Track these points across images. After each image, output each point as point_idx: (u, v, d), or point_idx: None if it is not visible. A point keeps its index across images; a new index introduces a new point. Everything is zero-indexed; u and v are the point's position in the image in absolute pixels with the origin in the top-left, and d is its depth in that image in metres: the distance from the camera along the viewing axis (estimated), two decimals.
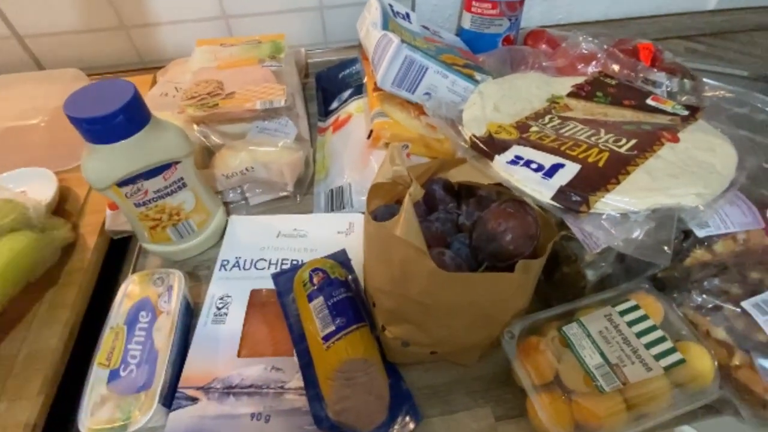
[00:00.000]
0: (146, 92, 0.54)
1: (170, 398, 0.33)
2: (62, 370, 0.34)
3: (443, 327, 0.31)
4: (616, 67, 0.55)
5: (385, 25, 0.50)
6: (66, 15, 0.58)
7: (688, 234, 0.37)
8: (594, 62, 0.56)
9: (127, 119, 0.32)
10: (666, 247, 0.30)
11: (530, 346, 0.31)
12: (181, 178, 0.38)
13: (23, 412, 0.30)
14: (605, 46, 0.56)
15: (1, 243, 0.34)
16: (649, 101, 0.49)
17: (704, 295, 0.33)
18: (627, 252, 0.31)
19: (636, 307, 0.32)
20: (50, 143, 0.47)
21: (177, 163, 0.37)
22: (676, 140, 0.42)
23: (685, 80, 0.53)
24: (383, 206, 0.36)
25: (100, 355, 0.33)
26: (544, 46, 0.61)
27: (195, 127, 0.46)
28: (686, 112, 0.47)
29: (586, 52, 0.57)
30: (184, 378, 0.34)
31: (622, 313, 0.31)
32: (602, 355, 0.29)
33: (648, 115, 0.47)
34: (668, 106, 0.49)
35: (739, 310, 0.31)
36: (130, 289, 0.37)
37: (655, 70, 0.54)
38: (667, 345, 0.29)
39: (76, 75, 0.53)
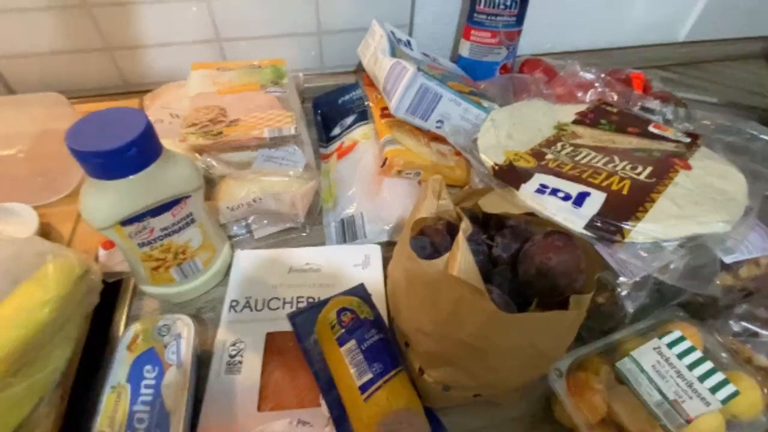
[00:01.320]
0: None
1: None
2: None
3: (492, 370, 0.29)
4: (614, 95, 0.57)
5: (393, 52, 0.50)
6: (42, 34, 0.54)
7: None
8: (591, 90, 0.58)
9: (139, 152, 0.29)
10: (715, 278, 0.30)
11: (580, 383, 0.30)
12: (190, 214, 0.35)
13: None
14: (602, 75, 0.58)
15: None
16: (651, 128, 0.51)
17: (741, 322, 0.33)
18: (671, 282, 0.31)
19: (682, 338, 0.31)
20: (29, 175, 0.42)
21: (187, 197, 0.34)
22: (688, 167, 0.43)
23: (678, 108, 0.56)
24: (411, 239, 0.34)
25: (101, 421, 0.29)
26: (540, 74, 0.62)
27: (197, 156, 0.43)
28: (688, 139, 0.49)
29: (584, 80, 0.58)
30: None
31: (671, 345, 0.30)
32: (659, 391, 0.28)
33: (653, 142, 0.49)
34: (670, 133, 0.50)
35: None
36: (131, 341, 0.33)
37: (650, 98, 0.56)
38: (720, 377, 0.29)
39: (55, 100, 0.48)
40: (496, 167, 0.41)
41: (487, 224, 0.38)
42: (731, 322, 0.34)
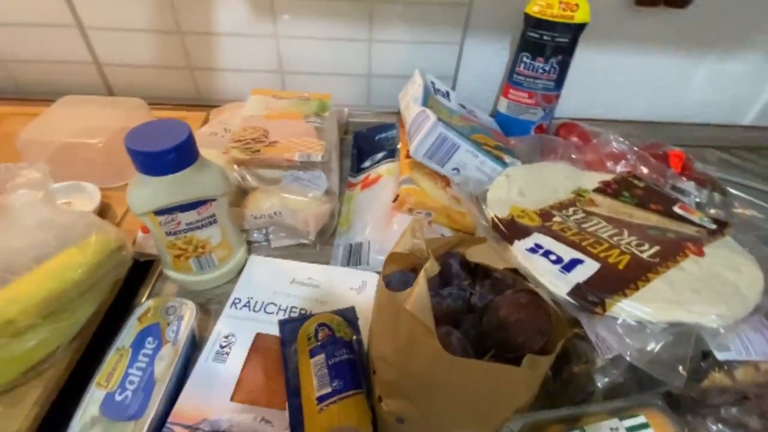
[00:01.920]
0: (198, 128, 0.59)
1: (157, 431, 0.33)
2: (62, 384, 0.34)
3: (441, 410, 0.31)
4: (644, 170, 0.56)
5: (425, 101, 0.54)
6: (143, 50, 0.65)
7: (707, 354, 0.36)
8: (623, 162, 0.58)
9: (177, 157, 0.35)
10: (681, 367, 0.29)
11: None
12: (213, 215, 0.40)
13: (15, 421, 0.30)
14: (635, 148, 0.58)
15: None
16: (676, 209, 0.50)
17: (720, 424, 0.32)
18: (639, 365, 0.31)
19: (645, 425, 0.30)
20: (103, 163, 0.51)
21: (213, 201, 0.40)
22: (701, 254, 0.42)
23: (715, 193, 0.54)
24: (399, 272, 0.37)
25: (101, 375, 0.34)
26: (575, 138, 0.63)
27: (235, 167, 0.49)
28: (714, 226, 0.47)
29: (616, 150, 0.58)
30: (174, 413, 0.34)
31: (630, 429, 0.30)
32: None
33: (674, 223, 0.48)
34: (695, 217, 0.49)
35: None
36: (143, 314, 0.38)
37: (684, 178, 0.55)
38: None
39: (138, 104, 0.58)
40: (496, 219, 0.43)
41: (476, 273, 0.40)
42: (709, 421, 0.32)
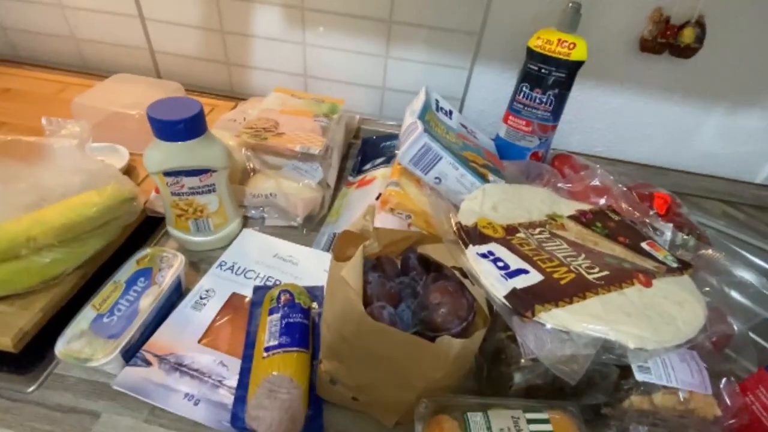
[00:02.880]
0: (223, 114, 0.66)
1: (132, 354, 0.39)
2: (65, 301, 0.41)
3: (366, 374, 0.35)
4: (624, 206, 0.59)
5: (422, 115, 0.59)
6: (190, 43, 0.74)
7: (628, 375, 0.38)
8: (606, 196, 0.60)
9: (186, 128, 0.42)
10: (576, 366, 0.32)
11: (435, 422, 0.33)
12: (213, 184, 0.47)
13: (23, 319, 0.37)
14: (619, 185, 0.60)
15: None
16: (644, 245, 0.52)
17: None
18: (543, 361, 0.33)
19: (546, 421, 0.33)
20: (136, 131, 0.59)
21: (213, 171, 0.46)
22: (648, 284, 0.44)
23: (690, 237, 0.55)
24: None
25: (97, 299, 0.40)
26: (567, 169, 0.66)
27: (244, 150, 0.56)
28: (675, 265, 0.49)
29: (599, 184, 0.61)
30: (149, 343, 0.40)
31: (530, 421, 0.33)
32: None
33: (636, 257, 0.49)
34: (660, 254, 0.50)
35: None
36: (141, 258, 0.45)
37: (661, 220, 0.56)
38: None
39: (176, 87, 0.66)
40: (459, 225, 0.47)
41: (429, 269, 0.44)
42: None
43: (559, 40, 0.58)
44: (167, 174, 0.44)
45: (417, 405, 0.35)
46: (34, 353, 0.39)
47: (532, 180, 0.62)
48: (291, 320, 0.40)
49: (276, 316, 0.40)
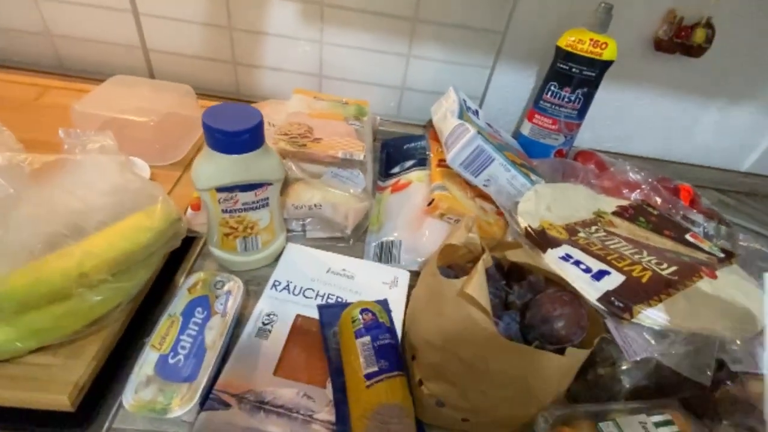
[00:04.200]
0: None
1: (204, 397, 0.34)
2: (116, 343, 0.35)
3: (484, 394, 0.33)
4: (657, 200, 0.61)
5: (460, 116, 0.57)
6: (191, 41, 0.68)
7: (721, 365, 0.38)
8: (638, 191, 0.62)
9: (249, 139, 0.37)
10: (708, 370, 0.32)
11: None
12: (267, 198, 0.42)
13: (75, 372, 0.31)
14: (650, 179, 0.62)
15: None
16: (688, 237, 0.54)
17: (736, 428, 0.34)
18: (669, 364, 0.33)
19: (671, 422, 0.33)
20: (151, 141, 0.53)
21: (269, 185, 0.42)
22: (714, 276, 0.45)
23: (722, 226, 0.58)
24: (442, 268, 0.39)
25: (155, 338, 0.35)
26: (592, 165, 0.67)
27: (282, 159, 0.52)
28: (722, 255, 0.51)
29: (632, 180, 0.63)
30: (221, 381, 0.35)
31: (657, 424, 0.32)
32: None
33: (687, 249, 0.51)
34: (705, 245, 0.53)
35: None
36: (193, 285, 0.40)
37: (694, 210, 0.59)
38: None
39: (187, 91, 0.60)
40: (530, 229, 0.46)
41: (510, 275, 0.42)
42: (725, 423, 0.35)
43: (591, 39, 0.59)
44: (221, 189, 0.39)
45: (536, 420, 0.33)
46: (86, 407, 0.33)
47: (566, 178, 0.63)
48: (382, 342, 0.37)
49: (366, 339, 0.37)
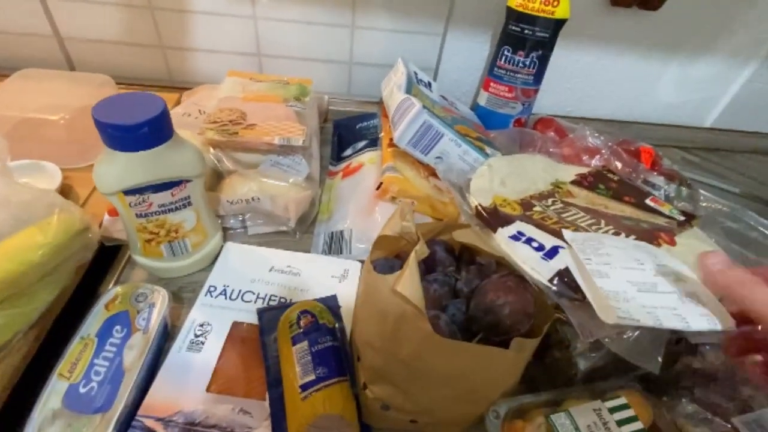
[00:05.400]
0: (170, 110, 0.56)
1: (126, 425, 0.31)
2: (18, 376, 0.31)
3: (428, 396, 0.30)
4: (618, 164, 0.58)
5: (409, 90, 0.53)
6: (110, 26, 0.61)
7: (680, 339, 0.37)
8: (598, 156, 0.59)
9: (151, 132, 0.32)
10: (658, 356, 0.30)
11: (514, 430, 0.30)
12: (188, 197, 0.38)
13: None
14: (610, 144, 0.60)
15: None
16: (648, 201, 0.52)
17: (694, 405, 0.33)
18: (617, 351, 0.31)
19: (626, 406, 0.31)
20: (65, 141, 0.47)
21: (188, 181, 0.37)
22: (672, 243, 0.43)
23: (682, 187, 0.56)
24: (383, 259, 0.36)
25: (63, 365, 0.31)
26: (551, 133, 0.64)
27: (211, 150, 0.47)
28: (682, 218, 0.49)
29: (591, 145, 0.60)
30: (145, 405, 0.32)
31: (612, 410, 0.30)
32: None
33: (646, 214, 0.49)
34: (666, 209, 0.51)
35: (729, 425, 0.31)
36: (111, 300, 0.36)
37: (655, 173, 0.57)
38: None
39: (104, 81, 0.54)
40: (480, 208, 0.43)
41: (460, 259, 0.40)
42: (684, 401, 0.33)
43: None
44: (129, 192, 0.35)
45: (486, 415, 0.31)
46: None
47: (524, 149, 0.60)
48: (321, 346, 0.34)
49: (303, 344, 0.34)
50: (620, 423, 0.30)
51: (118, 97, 0.33)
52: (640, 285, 0.31)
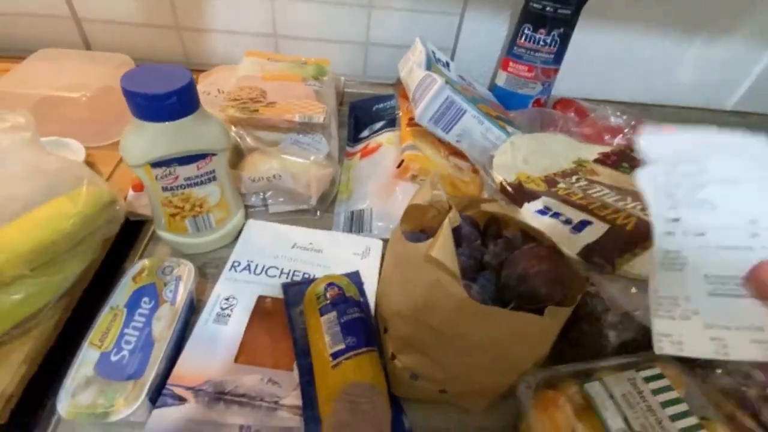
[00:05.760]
0: None
1: (157, 393, 0.31)
2: (51, 343, 0.31)
3: (459, 364, 0.30)
4: None
5: (428, 67, 0.53)
6: (127, 6, 0.61)
7: None
8: (620, 135, 0.58)
9: (179, 102, 0.32)
10: None
11: (548, 400, 0.30)
12: (213, 171, 0.38)
13: (1, 380, 0.28)
14: (633, 122, 0.59)
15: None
16: None
17: (728, 377, 0.32)
18: (645, 323, 0.31)
19: (660, 376, 0.30)
20: (87, 119, 0.47)
21: (213, 155, 0.37)
22: None
23: None
24: (409, 233, 0.36)
25: (94, 334, 0.31)
26: (571, 113, 0.63)
27: (232, 128, 0.47)
28: None
29: (613, 125, 0.59)
30: (174, 375, 0.32)
31: (647, 379, 0.30)
32: (625, 419, 0.28)
33: None
34: None
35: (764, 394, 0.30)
36: (138, 273, 0.36)
37: None
38: (693, 420, 0.28)
39: (123, 61, 0.54)
40: (505, 183, 0.42)
41: (486, 234, 0.39)
42: (719, 372, 0.33)
43: None
44: (156, 165, 0.35)
45: (518, 385, 0.31)
46: (23, 416, 0.29)
47: (544, 128, 0.59)
48: (349, 317, 0.34)
49: (331, 315, 0.34)
50: (655, 392, 0.30)
51: (145, 69, 0.33)
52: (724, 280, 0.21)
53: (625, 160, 0.53)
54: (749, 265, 0.20)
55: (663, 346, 0.21)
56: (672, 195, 0.21)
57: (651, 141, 0.23)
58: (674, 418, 0.28)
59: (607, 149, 0.55)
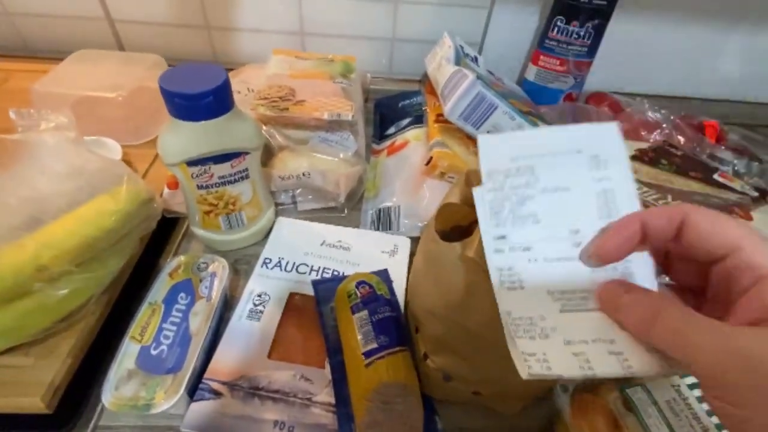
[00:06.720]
0: None
1: (194, 388, 0.31)
2: (93, 337, 0.32)
3: (494, 365, 0.29)
4: (681, 139, 0.55)
5: (458, 62, 0.52)
6: (158, 7, 0.62)
7: None
8: (658, 131, 0.56)
9: (215, 101, 0.33)
10: None
11: (586, 404, 0.29)
12: (246, 169, 0.39)
13: (48, 372, 0.29)
14: (672, 117, 0.57)
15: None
16: (716, 177, 0.49)
17: None
18: None
19: None
20: (122, 118, 0.49)
21: (246, 154, 0.38)
22: (749, 218, 0.41)
23: (753, 162, 0.53)
24: (442, 231, 0.35)
25: (134, 329, 0.32)
26: (605, 108, 0.61)
27: (263, 126, 0.47)
28: (756, 194, 0.46)
29: (651, 120, 0.57)
30: (211, 370, 0.33)
31: (692, 386, 0.29)
32: (669, 427, 0.27)
33: (716, 190, 0.46)
34: (736, 185, 0.48)
35: None
36: (174, 269, 0.37)
37: (722, 147, 0.53)
38: None
39: (157, 61, 0.55)
40: None
41: None
42: None
43: None
44: (192, 163, 0.35)
45: (554, 388, 0.30)
46: (67, 407, 0.31)
47: (578, 123, 0.57)
48: (381, 316, 0.33)
49: (363, 313, 0.33)
50: (701, 400, 0.28)
51: (181, 68, 0.34)
52: None
53: (664, 156, 0.51)
54: (584, 276, 0.19)
55: (531, 365, 0.20)
56: (498, 212, 0.22)
57: (487, 151, 0.22)
58: (721, 427, 0.27)
59: (644, 145, 0.53)
